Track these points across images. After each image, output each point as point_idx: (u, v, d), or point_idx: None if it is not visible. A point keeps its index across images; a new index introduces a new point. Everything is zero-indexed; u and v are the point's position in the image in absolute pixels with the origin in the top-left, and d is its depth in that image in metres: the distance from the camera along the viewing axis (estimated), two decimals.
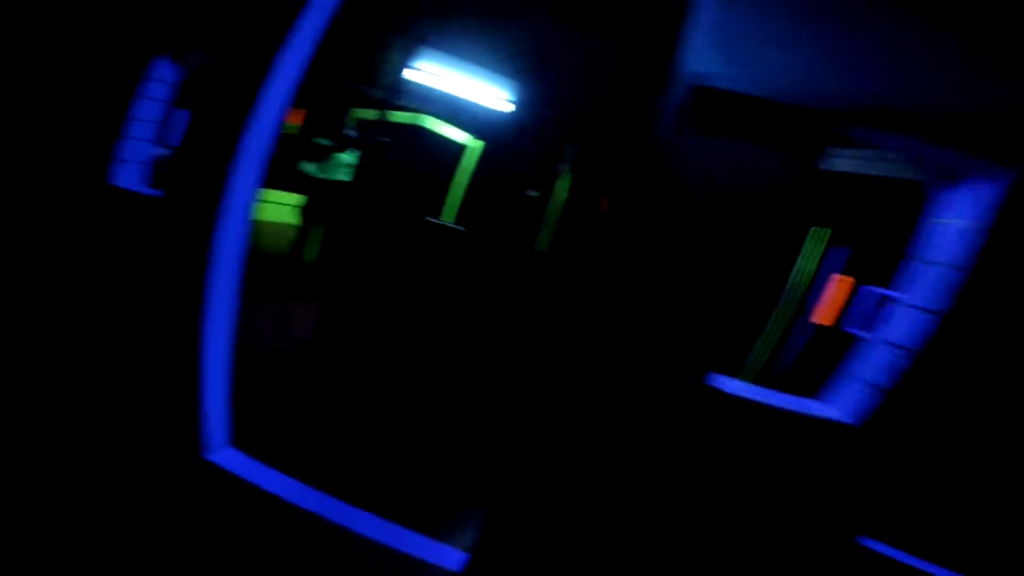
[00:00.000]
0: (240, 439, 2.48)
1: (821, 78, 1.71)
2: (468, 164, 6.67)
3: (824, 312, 3.30)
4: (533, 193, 6.59)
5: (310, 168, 5.67)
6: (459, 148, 6.58)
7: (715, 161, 1.91)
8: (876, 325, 1.86)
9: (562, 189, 6.32)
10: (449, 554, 2.06)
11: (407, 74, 5.50)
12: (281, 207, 6.39)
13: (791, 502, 2.01)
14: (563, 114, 5.93)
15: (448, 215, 6.55)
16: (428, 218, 5.03)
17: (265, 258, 5.91)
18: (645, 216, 1.96)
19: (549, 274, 5.32)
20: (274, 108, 2.01)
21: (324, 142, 5.83)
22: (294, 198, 6.60)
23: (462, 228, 5.03)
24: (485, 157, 6.72)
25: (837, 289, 3.26)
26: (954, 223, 1.77)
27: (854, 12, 1.56)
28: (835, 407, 2.02)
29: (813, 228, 3.76)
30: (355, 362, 3.82)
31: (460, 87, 5.33)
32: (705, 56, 1.78)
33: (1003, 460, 1.90)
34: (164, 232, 2.08)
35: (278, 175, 6.57)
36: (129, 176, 2.72)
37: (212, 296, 2.06)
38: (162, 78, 2.74)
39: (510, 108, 5.57)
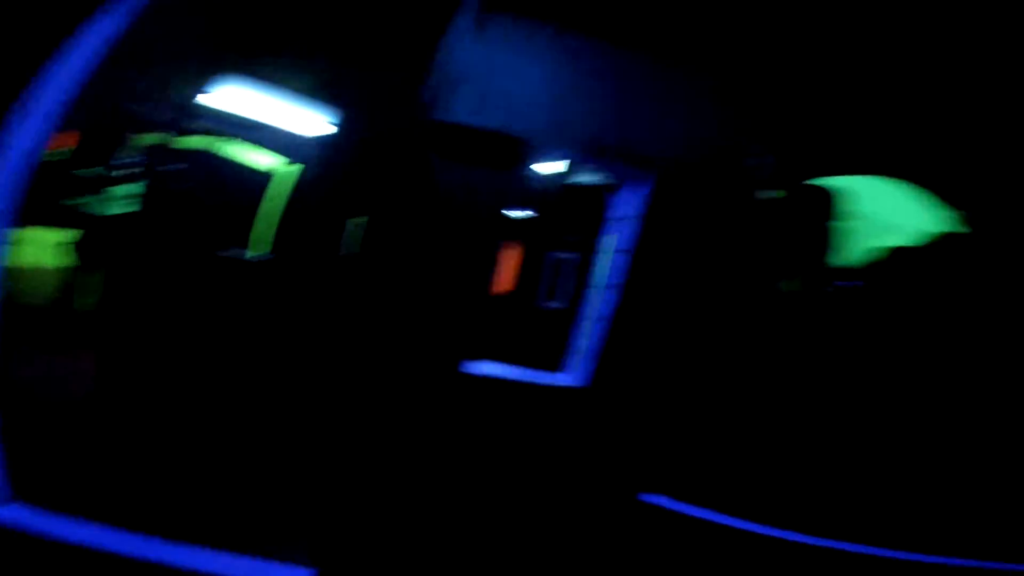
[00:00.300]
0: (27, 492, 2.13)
1: (534, 117, 2.10)
2: (279, 191, 6.43)
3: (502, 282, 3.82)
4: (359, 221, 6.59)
5: (81, 202, 5.00)
6: (265, 175, 6.32)
7: (453, 180, 2.20)
8: (573, 299, 2.33)
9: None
10: (297, 571, 2.00)
11: (205, 97, 5.18)
12: (42, 248, 5.49)
13: (562, 466, 2.34)
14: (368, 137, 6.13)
15: (258, 246, 6.23)
16: (220, 252, 4.76)
17: (26, 308, 5.01)
18: (404, 224, 2.17)
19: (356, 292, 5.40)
20: (33, 130, 1.77)
21: (96, 171, 5.18)
22: (59, 236, 5.72)
23: (262, 257, 4.84)
24: (304, 182, 6.54)
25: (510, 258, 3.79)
26: (624, 217, 2.30)
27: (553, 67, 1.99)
28: (570, 376, 2.43)
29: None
30: (144, 409, 3.48)
31: (268, 110, 5.16)
32: (442, 94, 2.08)
33: (704, 395, 2.46)
34: None
35: (42, 210, 5.65)
36: None
37: None
38: None
39: (331, 130, 5.55)
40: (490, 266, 2.16)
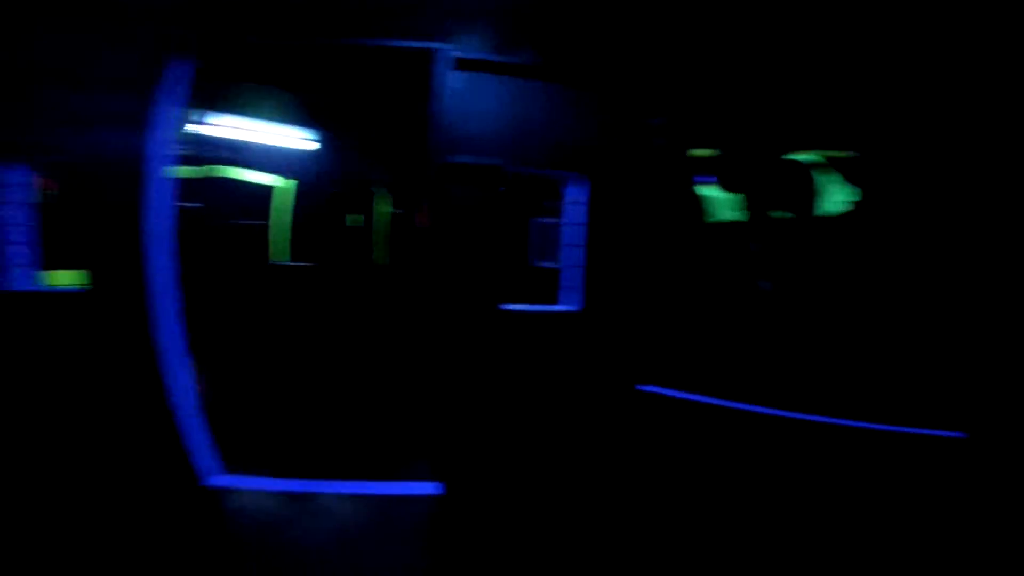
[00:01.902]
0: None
1: (503, 148, 3.16)
2: (283, 204, 7.30)
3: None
4: (356, 219, 7.53)
5: None
6: (267, 191, 7.17)
7: (461, 194, 3.28)
8: (556, 255, 3.52)
9: (382, 208, 7.45)
10: (428, 487, 3.12)
11: (196, 127, 5.86)
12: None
13: (574, 367, 3.45)
14: (365, 148, 7.06)
15: (280, 255, 7.14)
16: (271, 260, 5.67)
17: None
18: (436, 225, 3.28)
19: (392, 282, 6.56)
20: None
21: None
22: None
23: (305, 264, 5.82)
24: (301, 194, 7.38)
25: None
26: (575, 202, 3.47)
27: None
28: (567, 305, 3.60)
29: None
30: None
31: (257, 134, 5.94)
32: (445, 137, 3.13)
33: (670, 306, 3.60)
34: None
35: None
36: None
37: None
38: None
39: (315, 147, 6.43)
40: (498, 243, 3.32)
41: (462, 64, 3.12)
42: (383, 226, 7.66)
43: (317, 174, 7.43)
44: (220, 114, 5.84)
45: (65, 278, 3.37)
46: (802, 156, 3.70)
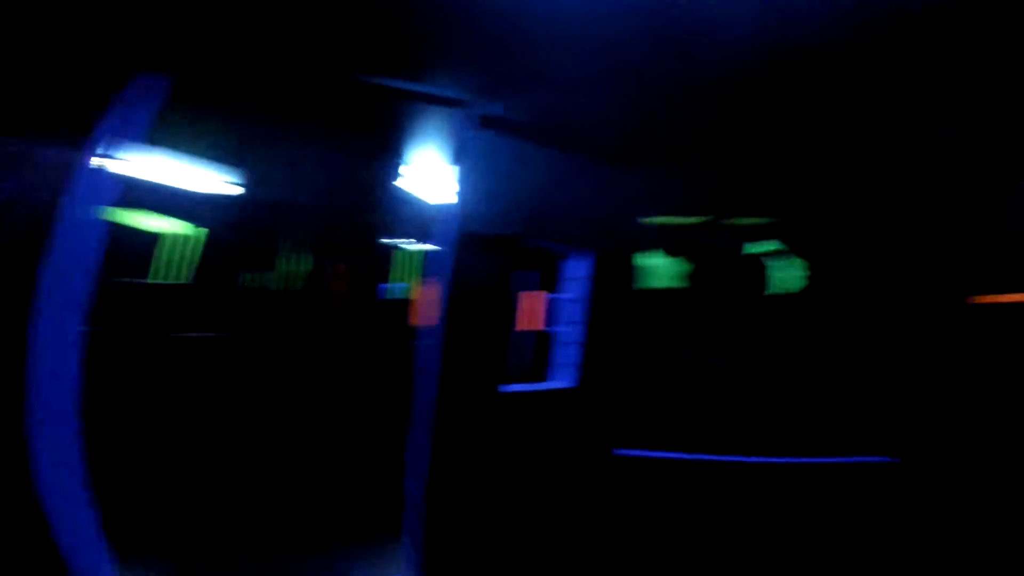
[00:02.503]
0: None
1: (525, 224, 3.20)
2: (176, 256, 6.30)
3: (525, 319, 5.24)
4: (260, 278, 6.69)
5: None
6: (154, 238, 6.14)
7: (471, 263, 3.23)
8: (559, 326, 3.61)
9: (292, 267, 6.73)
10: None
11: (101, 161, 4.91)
12: None
13: (565, 437, 3.54)
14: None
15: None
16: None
17: None
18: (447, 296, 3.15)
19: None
20: None
21: None
22: None
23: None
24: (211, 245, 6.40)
25: (532, 301, 5.22)
26: (577, 277, 3.63)
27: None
28: (562, 381, 3.68)
29: None
30: None
31: (163, 173, 5.07)
32: (466, 212, 3.06)
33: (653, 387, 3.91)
34: None
35: None
36: None
37: None
38: None
39: (237, 191, 5.65)
40: (510, 318, 3.30)
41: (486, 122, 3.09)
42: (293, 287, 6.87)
43: (234, 223, 6.58)
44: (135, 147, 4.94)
45: None
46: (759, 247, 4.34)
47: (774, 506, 3.74)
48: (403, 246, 6.85)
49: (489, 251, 3.17)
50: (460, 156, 3.02)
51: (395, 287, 7.20)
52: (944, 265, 3.99)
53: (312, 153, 5.51)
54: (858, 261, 4.34)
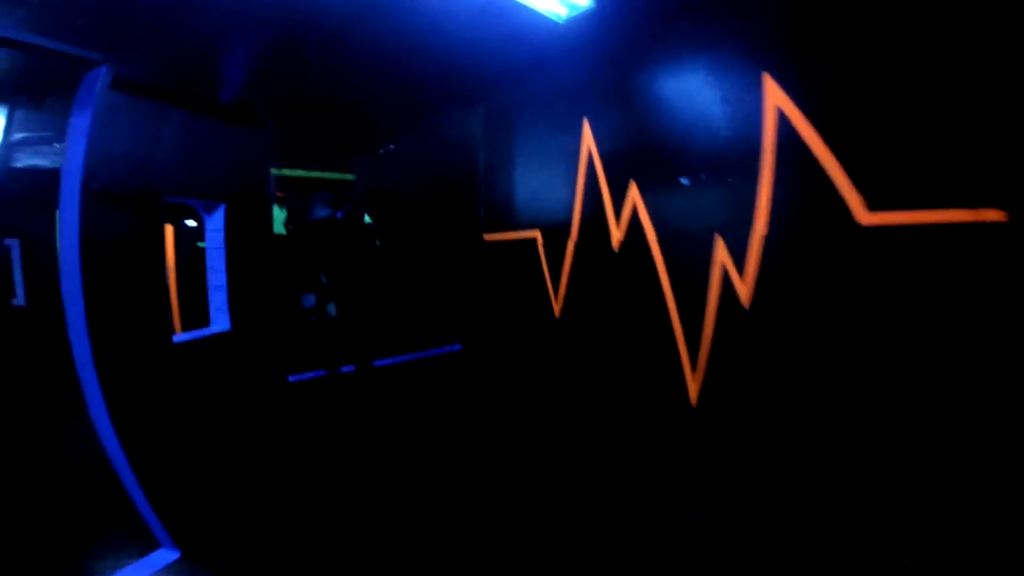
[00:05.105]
0: None
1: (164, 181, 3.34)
2: None
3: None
4: None
5: None
6: None
7: (105, 222, 3.25)
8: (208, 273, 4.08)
9: None
10: None
11: None
12: None
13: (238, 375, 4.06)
14: None
15: None
16: None
17: None
18: None
19: None
20: None
21: None
22: None
23: None
24: None
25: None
26: (216, 229, 4.03)
27: None
28: (219, 325, 3.96)
29: None
30: None
31: None
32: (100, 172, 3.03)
33: None
34: None
35: None
36: None
37: None
38: None
39: None
40: (160, 270, 3.44)
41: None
42: None
43: None
44: None
45: None
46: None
47: (403, 386, 5.50)
48: None
49: (128, 208, 3.26)
50: (93, 117, 2.99)
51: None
52: (468, 217, 6.18)
53: None
54: (414, 215, 6.43)
